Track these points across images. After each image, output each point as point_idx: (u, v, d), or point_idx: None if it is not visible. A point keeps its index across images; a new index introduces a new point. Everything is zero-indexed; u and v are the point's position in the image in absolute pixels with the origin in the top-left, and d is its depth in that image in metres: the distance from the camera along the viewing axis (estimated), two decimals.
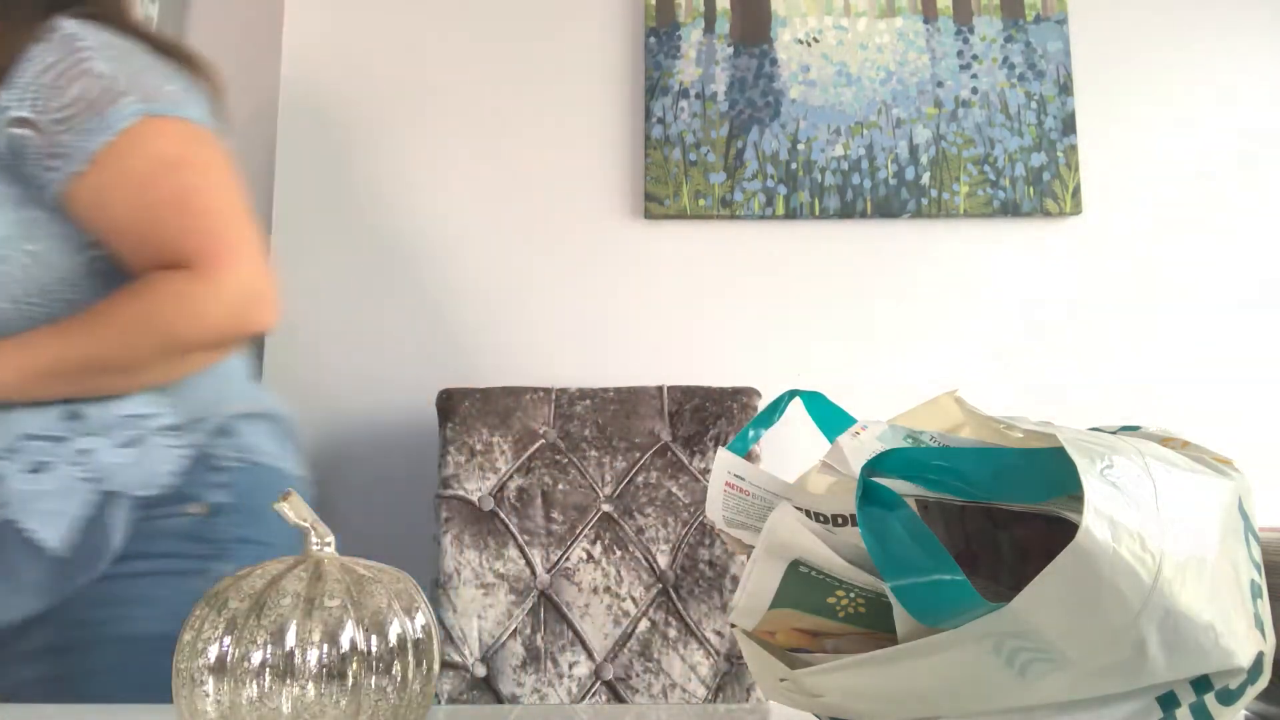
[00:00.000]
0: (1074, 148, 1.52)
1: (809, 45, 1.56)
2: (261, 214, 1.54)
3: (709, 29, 1.56)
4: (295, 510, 0.59)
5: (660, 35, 1.55)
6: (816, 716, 0.58)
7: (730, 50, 1.56)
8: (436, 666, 0.59)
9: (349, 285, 1.51)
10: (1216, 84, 1.57)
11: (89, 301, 0.90)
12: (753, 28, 1.56)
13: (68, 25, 0.87)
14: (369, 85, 1.56)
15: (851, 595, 0.54)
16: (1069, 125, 1.53)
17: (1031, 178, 1.52)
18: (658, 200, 1.51)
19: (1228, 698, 0.50)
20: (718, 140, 1.53)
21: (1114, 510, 0.47)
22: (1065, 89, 1.54)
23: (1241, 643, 0.50)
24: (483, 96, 1.55)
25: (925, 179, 1.52)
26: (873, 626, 0.54)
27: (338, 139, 1.54)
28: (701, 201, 1.52)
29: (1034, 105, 1.54)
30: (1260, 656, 0.51)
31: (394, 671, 0.55)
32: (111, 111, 0.85)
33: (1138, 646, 0.48)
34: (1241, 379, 1.50)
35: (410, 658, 0.56)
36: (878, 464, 0.53)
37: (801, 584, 0.54)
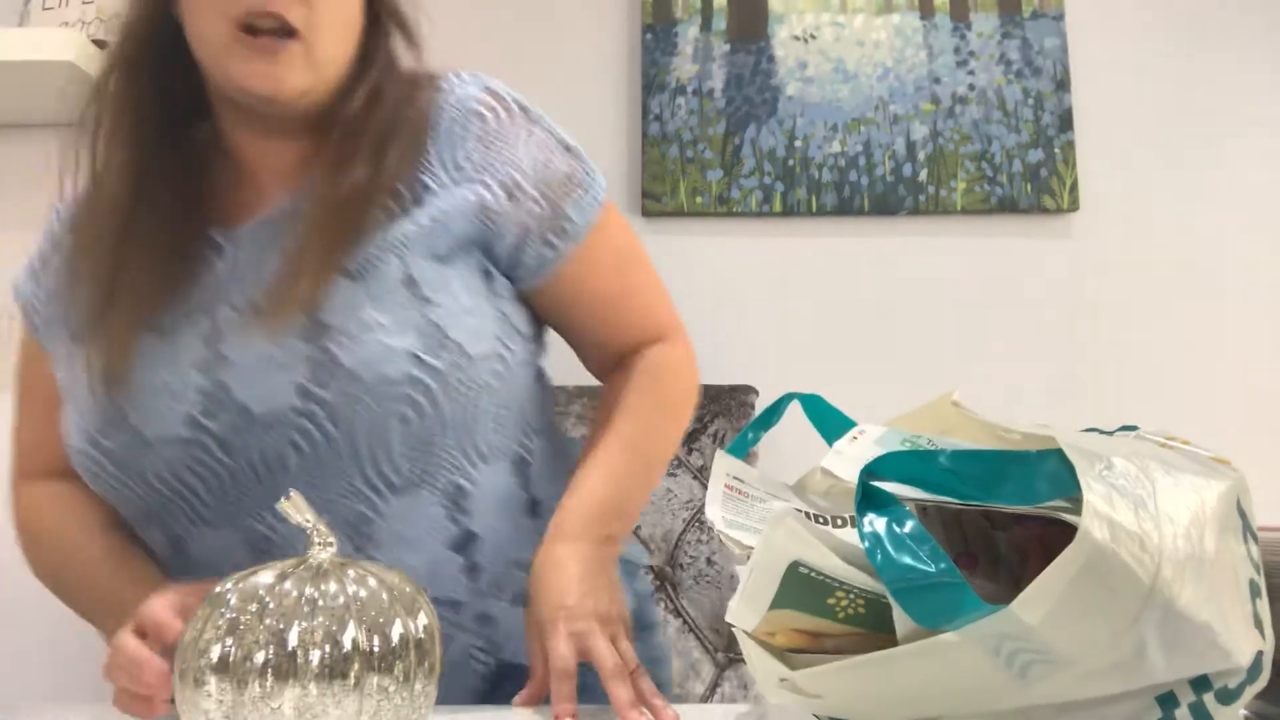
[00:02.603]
0: (1071, 144, 1.52)
1: (806, 42, 1.56)
2: None
3: (706, 26, 1.56)
4: (297, 511, 0.60)
5: (657, 32, 1.55)
6: (816, 716, 0.59)
7: (727, 47, 1.56)
8: (438, 666, 0.60)
9: None
10: (1214, 78, 1.57)
11: (528, 410, 0.84)
12: (749, 24, 1.56)
13: (497, 86, 0.87)
14: None
15: (851, 596, 0.54)
16: (1066, 121, 1.53)
17: (1029, 174, 1.52)
18: (655, 197, 1.51)
19: (1227, 697, 0.51)
20: (715, 137, 1.53)
21: (1113, 512, 0.47)
22: (1062, 85, 1.54)
23: (1240, 642, 0.50)
24: None
25: (922, 175, 1.52)
26: (873, 627, 0.54)
27: None
28: (699, 198, 1.52)
29: (1031, 102, 1.54)
30: (1259, 656, 0.52)
31: (396, 671, 0.55)
32: (592, 186, 0.86)
33: (1137, 647, 0.48)
34: (1241, 377, 1.50)
35: (412, 658, 0.57)
36: (876, 468, 0.53)
37: (801, 585, 0.55)
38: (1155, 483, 0.50)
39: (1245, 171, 1.56)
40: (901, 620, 0.50)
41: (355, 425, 0.75)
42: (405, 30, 0.87)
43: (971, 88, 1.55)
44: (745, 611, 0.56)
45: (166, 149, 0.83)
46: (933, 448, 0.60)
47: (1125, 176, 1.55)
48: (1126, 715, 0.51)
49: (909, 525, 0.49)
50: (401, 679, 0.56)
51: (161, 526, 0.81)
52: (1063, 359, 1.51)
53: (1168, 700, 0.50)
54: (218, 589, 0.58)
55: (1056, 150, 1.52)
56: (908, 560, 0.48)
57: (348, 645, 0.54)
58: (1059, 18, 1.56)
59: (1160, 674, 0.49)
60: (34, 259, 0.91)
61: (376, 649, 0.55)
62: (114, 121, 0.82)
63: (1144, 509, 0.48)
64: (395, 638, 0.56)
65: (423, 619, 0.59)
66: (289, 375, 0.75)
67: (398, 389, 0.74)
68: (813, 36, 1.56)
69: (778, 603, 0.55)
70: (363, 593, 0.57)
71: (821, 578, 0.54)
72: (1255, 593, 0.53)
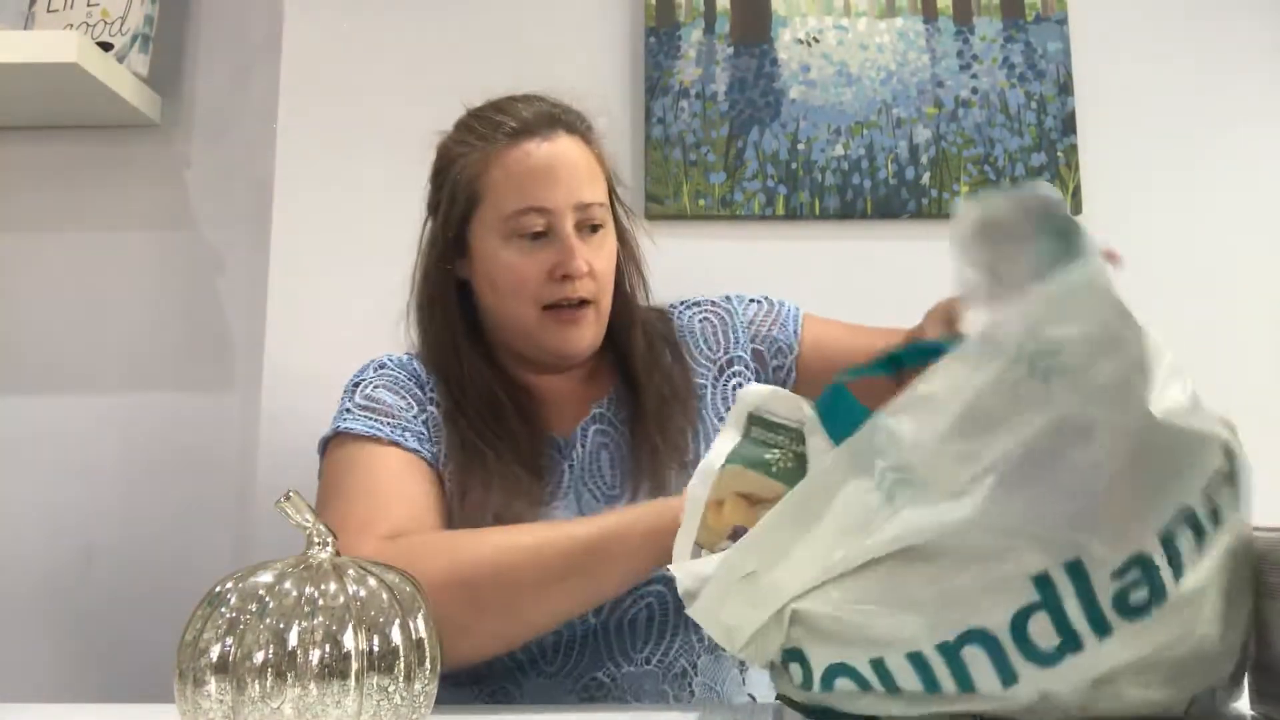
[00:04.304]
0: (1074, 148, 1.52)
1: (809, 45, 1.56)
2: (262, 216, 1.54)
3: (709, 29, 1.56)
4: (296, 511, 0.60)
5: (660, 35, 1.55)
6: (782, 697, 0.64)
7: (730, 50, 1.56)
8: (438, 666, 0.60)
9: (350, 285, 1.51)
10: (1217, 82, 1.57)
11: None
12: (753, 28, 1.56)
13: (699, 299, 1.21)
14: (368, 86, 1.56)
15: (784, 451, 0.62)
16: (1069, 125, 1.53)
17: (1031, 178, 1.52)
18: (658, 200, 1.51)
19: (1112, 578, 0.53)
20: (718, 140, 1.53)
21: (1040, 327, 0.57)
22: (1065, 89, 1.54)
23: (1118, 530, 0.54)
24: (482, 97, 1.55)
25: (925, 179, 1.52)
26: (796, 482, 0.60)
27: (337, 141, 1.54)
28: (702, 201, 1.52)
29: (1034, 105, 1.54)
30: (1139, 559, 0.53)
31: (395, 671, 0.55)
32: (781, 306, 1.23)
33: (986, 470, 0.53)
34: (1244, 379, 1.50)
35: (412, 657, 0.56)
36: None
37: (751, 444, 0.63)
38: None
39: (1248, 175, 1.55)
40: (815, 457, 0.60)
41: None
42: (638, 261, 1.15)
43: (974, 91, 1.54)
44: (703, 472, 0.64)
45: (486, 376, 1.04)
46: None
47: (1128, 180, 1.55)
48: (1006, 601, 0.53)
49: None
50: (401, 679, 0.56)
51: (492, 683, 0.94)
52: None
53: (1042, 581, 0.53)
54: (217, 588, 0.58)
55: (1059, 154, 1.52)
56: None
57: (348, 645, 0.54)
58: (1062, 21, 1.56)
59: (1017, 514, 0.53)
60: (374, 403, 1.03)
61: (376, 649, 0.55)
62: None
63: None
64: (395, 637, 0.56)
65: (422, 619, 0.59)
66: None
67: None
68: (816, 40, 1.56)
69: (730, 459, 0.63)
70: (362, 592, 0.56)
71: (768, 433, 0.63)
72: (1187, 520, 0.55)
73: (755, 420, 0.64)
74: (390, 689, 0.55)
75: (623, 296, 1.11)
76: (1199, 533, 0.55)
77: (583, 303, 1.02)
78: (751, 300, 1.18)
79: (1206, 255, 1.53)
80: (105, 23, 1.50)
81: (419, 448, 0.98)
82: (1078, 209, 1.51)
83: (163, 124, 1.57)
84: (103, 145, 1.57)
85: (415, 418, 1.00)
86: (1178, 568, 0.54)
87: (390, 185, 1.54)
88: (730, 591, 0.58)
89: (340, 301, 1.50)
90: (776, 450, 0.62)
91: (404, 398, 1.03)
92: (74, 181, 1.57)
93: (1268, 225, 1.54)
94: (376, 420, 0.99)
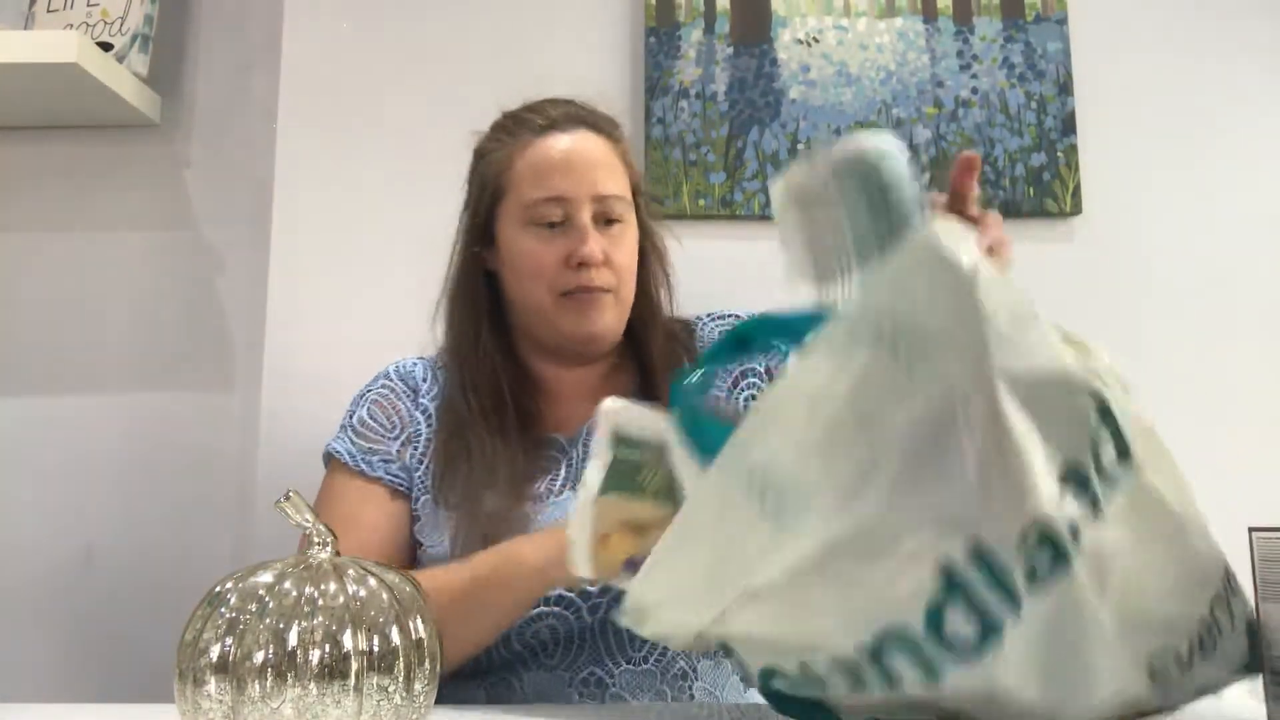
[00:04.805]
0: (1074, 148, 1.52)
1: (809, 45, 1.56)
2: (262, 216, 1.54)
3: (709, 29, 1.56)
4: (296, 511, 0.60)
5: (660, 35, 1.55)
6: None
7: (730, 50, 1.56)
8: (438, 666, 0.60)
9: (350, 286, 1.51)
10: (1217, 81, 1.57)
11: None
12: (753, 28, 1.56)
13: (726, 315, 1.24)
14: (368, 86, 1.56)
15: (652, 468, 0.62)
16: (1069, 125, 1.53)
17: (1031, 178, 1.52)
18: (658, 200, 1.51)
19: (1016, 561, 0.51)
20: (718, 140, 1.53)
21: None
22: (1065, 89, 1.54)
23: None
24: (483, 97, 1.55)
25: (925, 179, 1.52)
26: (675, 503, 0.59)
27: (337, 141, 1.54)
28: (702, 202, 1.52)
29: (1034, 105, 1.54)
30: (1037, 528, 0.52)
31: (395, 671, 0.55)
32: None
33: (865, 472, 0.52)
34: (1246, 379, 1.50)
35: (412, 657, 0.56)
36: (747, 330, 0.68)
37: (619, 469, 0.63)
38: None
39: (1248, 174, 1.55)
40: (686, 476, 0.58)
41: None
42: (664, 263, 1.17)
43: (974, 91, 1.54)
44: (582, 506, 0.64)
45: (499, 370, 1.07)
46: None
47: (1128, 180, 1.55)
48: (911, 589, 0.52)
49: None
50: (401, 679, 0.56)
51: (493, 675, 0.95)
52: None
53: (948, 569, 0.51)
54: (217, 588, 0.58)
55: (1059, 154, 1.52)
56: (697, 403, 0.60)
57: (347, 645, 0.54)
58: (1062, 21, 1.56)
59: (898, 508, 0.51)
60: (361, 425, 1.09)
61: (376, 649, 0.55)
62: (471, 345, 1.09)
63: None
64: (395, 637, 0.56)
65: (422, 619, 0.59)
66: None
67: None
68: (815, 40, 1.56)
69: (604, 488, 0.63)
70: (362, 592, 0.56)
71: (631, 452, 0.63)
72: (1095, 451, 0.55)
73: (619, 440, 0.63)
74: (390, 689, 0.55)
75: (645, 295, 1.14)
76: (1089, 492, 0.54)
77: (600, 289, 1.05)
78: None
79: (1206, 255, 1.53)
80: (105, 23, 1.50)
81: (382, 475, 1.04)
82: (1077, 209, 1.51)
83: (163, 124, 1.57)
84: (103, 145, 1.57)
85: (396, 438, 1.07)
86: (1073, 530, 0.52)
87: (390, 185, 1.54)
88: (646, 617, 0.59)
89: (340, 301, 1.50)
90: (645, 470, 0.62)
91: (391, 416, 1.09)
92: (74, 181, 1.57)
93: (1268, 225, 1.54)
94: (355, 445, 1.07)
